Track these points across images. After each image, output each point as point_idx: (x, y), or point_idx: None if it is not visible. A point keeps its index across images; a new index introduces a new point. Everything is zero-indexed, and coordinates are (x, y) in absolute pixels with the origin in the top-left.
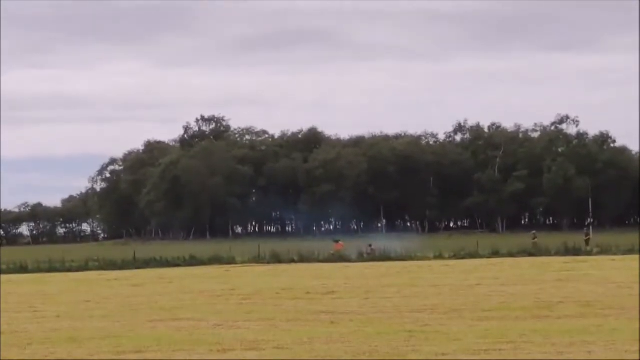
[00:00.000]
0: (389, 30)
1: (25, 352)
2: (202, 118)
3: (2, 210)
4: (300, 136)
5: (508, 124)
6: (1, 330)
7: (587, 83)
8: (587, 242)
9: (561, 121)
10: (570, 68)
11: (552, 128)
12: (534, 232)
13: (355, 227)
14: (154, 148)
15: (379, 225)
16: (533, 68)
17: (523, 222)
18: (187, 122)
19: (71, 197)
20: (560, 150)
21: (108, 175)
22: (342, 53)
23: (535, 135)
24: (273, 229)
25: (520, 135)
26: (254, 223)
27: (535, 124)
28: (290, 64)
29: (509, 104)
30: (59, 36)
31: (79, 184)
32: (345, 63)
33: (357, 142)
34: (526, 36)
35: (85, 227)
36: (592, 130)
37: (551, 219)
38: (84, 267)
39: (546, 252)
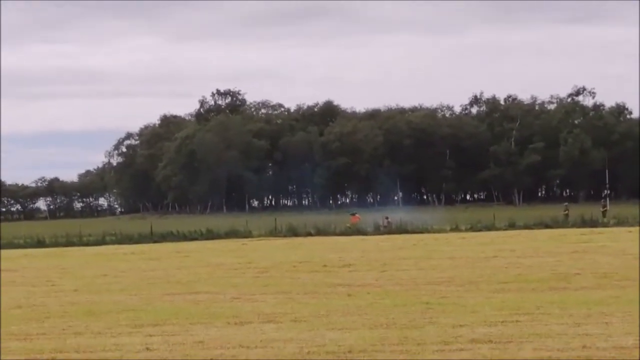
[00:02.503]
0: (405, 4)
1: (44, 326)
2: (218, 92)
3: (19, 185)
4: (316, 109)
5: (524, 96)
6: (20, 303)
7: (603, 54)
8: (603, 213)
9: (577, 93)
10: (587, 39)
11: (569, 100)
12: (565, 204)
13: (372, 200)
14: (170, 122)
15: (395, 198)
16: (549, 40)
17: (539, 194)
18: (203, 96)
19: (88, 171)
20: (576, 122)
21: (124, 149)
22: (357, 27)
23: (552, 107)
24: (289, 203)
25: (537, 107)
26: (270, 197)
27: (552, 95)
28: (306, 37)
29: (525, 76)
30: (75, 11)
31: (96, 159)
32: (361, 37)
33: (373, 115)
34: (542, 8)
35: (102, 202)
36: (609, 102)
37: (567, 190)
38: (101, 241)
39: (563, 224)
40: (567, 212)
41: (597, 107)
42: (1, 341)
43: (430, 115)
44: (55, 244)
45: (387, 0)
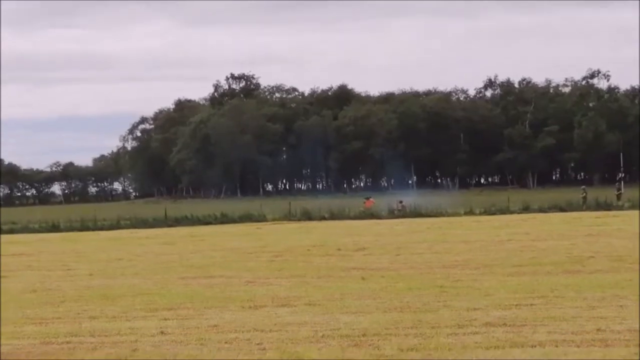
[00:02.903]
0: None
1: (59, 310)
2: (232, 76)
3: (34, 169)
4: (330, 93)
5: (539, 79)
6: (35, 288)
7: (618, 37)
8: (618, 196)
9: (592, 76)
10: (602, 22)
11: (583, 83)
12: (583, 187)
13: (386, 184)
14: (184, 106)
15: (410, 181)
16: (564, 22)
17: (554, 178)
18: (217, 81)
19: (102, 156)
20: (591, 105)
21: (139, 134)
22: (372, 10)
23: (566, 90)
24: (303, 187)
25: (551, 90)
26: (284, 181)
27: (566, 78)
28: (321, 21)
29: (539, 59)
30: None
31: (110, 143)
32: (375, 20)
33: (387, 99)
34: None
35: (117, 186)
36: (624, 85)
37: (582, 174)
38: (116, 226)
39: (577, 207)
40: (584, 195)
41: (612, 90)
42: (15, 326)
43: (444, 98)
44: (70, 229)
45: None
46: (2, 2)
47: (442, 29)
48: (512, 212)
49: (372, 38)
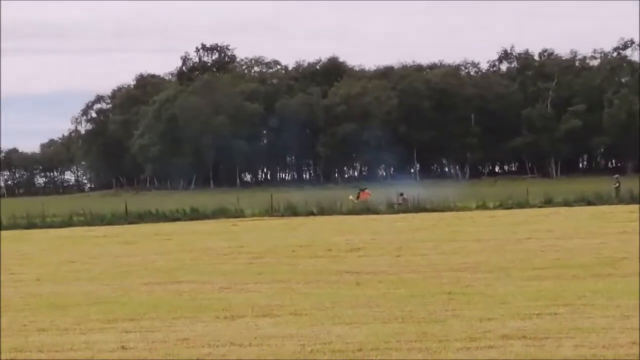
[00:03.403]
0: None
1: (2, 321)
2: (203, 47)
3: None
4: (318, 67)
5: (562, 51)
6: None
7: None
8: None
9: (625, 46)
10: None
11: (614, 54)
12: (616, 176)
13: (384, 174)
14: (147, 83)
15: (412, 170)
16: None
17: (580, 166)
18: (186, 52)
19: (52, 141)
20: (623, 80)
21: (94, 115)
22: None
23: (594, 63)
24: (287, 176)
25: (577, 64)
26: (265, 169)
27: (594, 50)
28: None
29: (563, 27)
30: None
31: (61, 126)
32: None
33: (385, 74)
34: None
35: (69, 176)
36: None
37: (613, 161)
38: (68, 223)
39: (608, 200)
40: (617, 185)
41: None
42: None
43: (452, 73)
44: (14, 226)
45: None
46: None
47: None
48: (532, 206)
49: (368, 1)
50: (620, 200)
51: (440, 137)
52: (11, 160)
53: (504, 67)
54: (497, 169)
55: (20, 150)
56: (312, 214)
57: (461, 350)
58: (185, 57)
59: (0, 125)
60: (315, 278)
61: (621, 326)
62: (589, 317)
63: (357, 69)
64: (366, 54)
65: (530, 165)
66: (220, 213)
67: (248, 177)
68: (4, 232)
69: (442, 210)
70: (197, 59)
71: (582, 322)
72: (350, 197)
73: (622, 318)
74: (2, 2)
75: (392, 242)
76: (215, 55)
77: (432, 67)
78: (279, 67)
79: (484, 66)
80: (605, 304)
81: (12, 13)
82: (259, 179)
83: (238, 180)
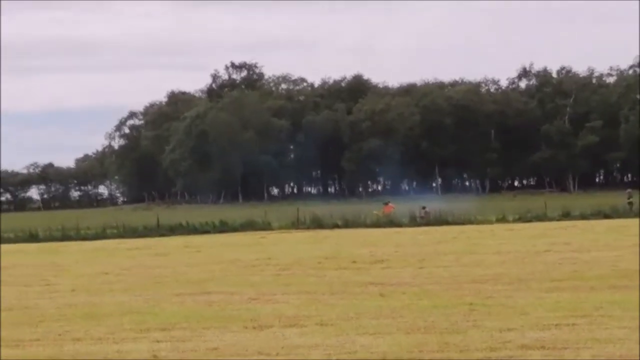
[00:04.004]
0: None
1: (38, 330)
2: (232, 65)
3: (9, 171)
4: (343, 84)
5: (580, 68)
6: (10, 305)
7: None
8: None
9: None
10: None
11: (630, 72)
12: (629, 190)
13: (407, 188)
14: (178, 99)
15: (434, 185)
16: (608, 3)
17: (597, 180)
18: (215, 70)
19: (86, 156)
20: (638, 97)
21: (127, 130)
22: None
23: (611, 80)
24: (313, 190)
25: (594, 81)
26: (291, 184)
27: (611, 67)
28: (334, 1)
29: (581, 45)
30: None
31: (95, 141)
32: (396, 1)
33: (408, 91)
34: None
35: (102, 190)
36: None
37: (629, 175)
38: (101, 235)
39: (624, 214)
40: (631, 199)
41: None
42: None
43: (473, 90)
44: (50, 238)
45: None
46: None
47: (471, 9)
48: (550, 219)
49: (391, 20)
50: (635, 213)
51: (461, 152)
52: (47, 174)
53: (523, 84)
54: (516, 183)
55: (56, 165)
56: (337, 226)
57: None
58: (215, 74)
59: (0, 140)
60: (340, 289)
61: (638, 337)
62: (606, 328)
63: (380, 86)
64: (389, 71)
65: (548, 179)
66: (249, 226)
67: (275, 191)
68: (40, 244)
69: (463, 224)
70: (226, 77)
71: (600, 333)
72: (375, 212)
73: (639, 329)
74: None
75: (415, 254)
76: (244, 73)
77: (454, 84)
78: (305, 84)
79: (504, 83)
80: (622, 315)
81: (49, 31)
82: (286, 193)
83: (265, 194)
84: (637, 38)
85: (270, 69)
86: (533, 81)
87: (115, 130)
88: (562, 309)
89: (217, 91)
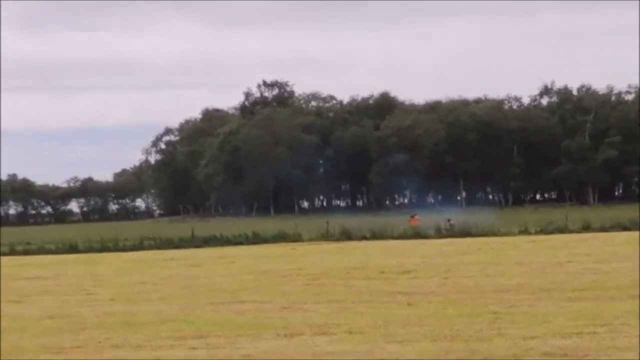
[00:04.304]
0: None
1: (79, 338)
2: (264, 83)
3: (50, 185)
4: (371, 101)
5: (599, 86)
6: (53, 314)
7: None
8: None
9: None
10: None
11: None
12: None
13: (432, 201)
14: (212, 116)
15: (458, 198)
16: (627, 23)
17: (616, 194)
18: (248, 88)
19: (124, 170)
20: None
21: (163, 146)
22: (418, 10)
23: (629, 97)
24: (342, 203)
25: (613, 98)
26: (321, 197)
27: (629, 85)
28: (361, 21)
29: (600, 64)
30: None
31: (132, 157)
32: (422, 20)
33: (434, 108)
34: None
35: (139, 203)
36: None
37: None
38: (139, 246)
39: None
40: None
41: None
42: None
43: (496, 107)
44: (89, 250)
45: None
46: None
47: (494, 30)
48: (571, 231)
49: (418, 40)
50: None
51: (484, 167)
52: (87, 188)
53: (544, 101)
54: (538, 196)
55: (95, 179)
56: (365, 238)
57: None
58: (248, 92)
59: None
60: (368, 298)
61: None
62: (625, 336)
63: (407, 103)
64: (416, 89)
65: (569, 193)
66: (280, 238)
67: (305, 204)
68: (80, 255)
69: (486, 235)
70: (258, 94)
71: (620, 341)
72: (407, 227)
73: None
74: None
75: (441, 264)
76: (275, 91)
77: (478, 101)
78: (334, 101)
79: (526, 100)
80: None
81: (88, 51)
82: (316, 206)
83: (296, 207)
84: None
85: (301, 87)
86: (554, 98)
87: (152, 146)
88: (583, 317)
89: (250, 108)
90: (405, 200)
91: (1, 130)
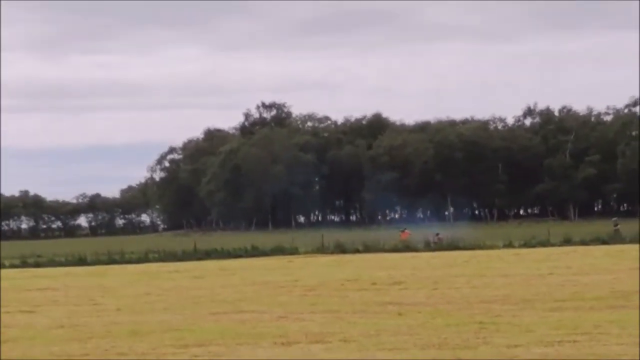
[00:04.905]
0: (458, 11)
1: (87, 346)
2: (263, 105)
3: (60, 201)
4: (364, 122)
5: (580, 107)
6: (61, 323)
7: None
8: None
9: (635, 103)
10: None
11: (626, 111)
12: (615, 218)
13: (422, 216)
14: (213, 136)
15: (446, 213)
16: (606, 49)
17: (596, 209)
18: (248, 109)
19: (130, 187)
20: (634, 133)
21: (167, 164)
22: (409, 35)
23: (608, 118)
24: (337, 218)
25: (593, 119)
26: (316, 212)
27: (608, 106)
28: (354, 46)
29: (580, 86)
30: (116, 22)
31: (138, 174)
32: (413, 45)
33: (423, 128)
34: (599, 15)
35: (145, 218)
36: None
37: (625, 205)
38: (144, 259)
39: (621, 240)
40: (617, 227)
41: None
42: None
43: (482, 127)
44: (97, 262)
45: (441, 7)
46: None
47: (481, 54)
48: (552, 245)
49: (409, 64)
50: (631, 240)
51: (471, 184)
52: (94, 204)
53: (528, 122)
54: (521, 212)
55: (102, 195)
56: (358, 251)
57: None
58: (247, 113)
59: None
60: (361, 309)
61: (634, 353)
62: (604, 345)
63: (398, 123)
64: (406, 110)
65: (551, 208)
66: (278, 251)
67: (302, 219)
68: (88, 268)
69: (473, 249)
70: (257, 115)
71: (599, 349)
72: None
73: (635, 346)
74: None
75: (429, 276)
76: (274, 112)
77: (464, 122)
78: (329, 122)
79: (510, 121)
80: (619, 333)
81: (96, 74)
82: (312, 221)
83: (293, 222)
84: (633, 79)
85: (298, 108)
86: (537, 119)
87: (157, 164)
88: (564, 327)
89: (249, 128)
90: (396, 216)
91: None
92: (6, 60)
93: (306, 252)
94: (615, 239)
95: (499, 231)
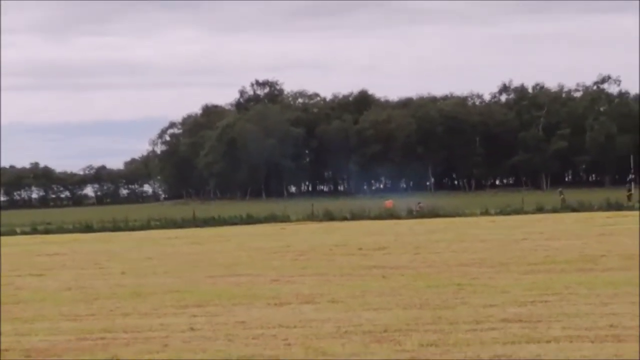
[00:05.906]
0: None
1: (93, 307)
2: (257, 82)
3: (68, 172)
4: (350, 99)
5: (552, 85)
6: (69, 286)
7: (629, 44)
8: (629, 197)
9: (603, 81)
10: (614, 30)
11: (594, 88)
12: (560, 189)
13: (405, 186)
14: (211, 112)
15: (428, 183)
16: (577, 30)
17: (566, 179)
18: (243, 87)
19: (133, 159)
20: (602, 109)
21: (168, 138)
22: (396, 18)
23: (578, 94)
24: (325, 189)
25: (563, 95)
26: (307, 183)
27: (578, 83)
28: (344, 29)
29: (552, 65)
30: (118, 5)
31: (141, 147)
32: (399, 28)
33: (406, 104)
34: None
35: (147, 188)
36: (634, 90)
37: (594, 175)
38: (146, 226)
39: (589, 208)
40: (562, 197)
41: (622, 95)
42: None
43: (461, 103)
44: (103, 229)
45: None
46: (35, 10)
47: (462, 35)
48: (526, 213)
49: (395, 45)
50: (598, 207)
51: (450, 156)
52: (100, 175)
53: (503, 98)
54: (497, 182)
55: (107, 167)
56: (345, 219)
57: (469, 332)
58: (242, 90)
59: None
60: (348, 272)
61: (601, 312)
62: (574, 304)
63: (382, 100)
64: (391, 87)
65: (525, 179)
66: (271, 219)
67: (293, 189)
68: (94, 234)
69: (452, 216)
70: (252, 92)
71: (569, 309)
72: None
73: (602, 305)
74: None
75: (412, 242)
76: (267, 89)
77: (444, 98)
78: (318, 98)
79: (487, 97)
80: (587, 294)
81: (101, 54)
82: (302, 191)
83: (285, 192)
84: (601, 59)
85: (289, 85)
86: (512, 95)
87: (158, 138)
88: (536, 288)
89: (244, 104)
90: (381, 186)
91: (23, 124)
92: (16, 41)
93: (297, 220)
94: (564, 208)
95: (477, 200)
